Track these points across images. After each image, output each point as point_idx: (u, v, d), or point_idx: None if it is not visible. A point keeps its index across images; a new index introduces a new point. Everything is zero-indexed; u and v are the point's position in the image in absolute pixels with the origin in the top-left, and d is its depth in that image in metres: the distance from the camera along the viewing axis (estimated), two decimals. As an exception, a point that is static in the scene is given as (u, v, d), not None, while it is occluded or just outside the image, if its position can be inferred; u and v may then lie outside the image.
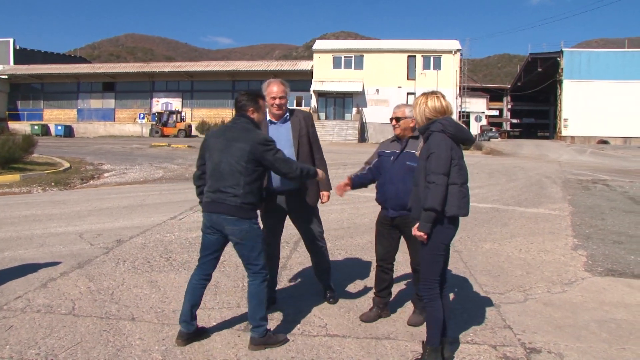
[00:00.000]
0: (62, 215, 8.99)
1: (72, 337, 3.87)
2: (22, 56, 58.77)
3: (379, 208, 4.40)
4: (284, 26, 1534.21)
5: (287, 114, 4.52)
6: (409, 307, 4.60)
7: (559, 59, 53.03)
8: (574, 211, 10.20)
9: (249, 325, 3.83)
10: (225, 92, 52.40)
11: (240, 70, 51.54)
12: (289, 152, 4.35)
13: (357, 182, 4.37)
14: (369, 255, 6.21)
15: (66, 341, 3.79)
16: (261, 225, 4.11)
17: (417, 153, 3.89)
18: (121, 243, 6.91)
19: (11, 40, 58.87)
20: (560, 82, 52.73)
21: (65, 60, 65.70)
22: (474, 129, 53.91)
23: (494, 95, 71.35)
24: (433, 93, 3.67)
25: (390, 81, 47.30)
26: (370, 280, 4.92)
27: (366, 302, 4.72)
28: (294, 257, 6.30)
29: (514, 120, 77.89)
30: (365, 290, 5.08)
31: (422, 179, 3.49)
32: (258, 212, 3.90)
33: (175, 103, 52.60)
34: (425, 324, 3.76)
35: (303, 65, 52.47)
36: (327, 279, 4.84)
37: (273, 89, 4.37)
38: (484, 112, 57.98)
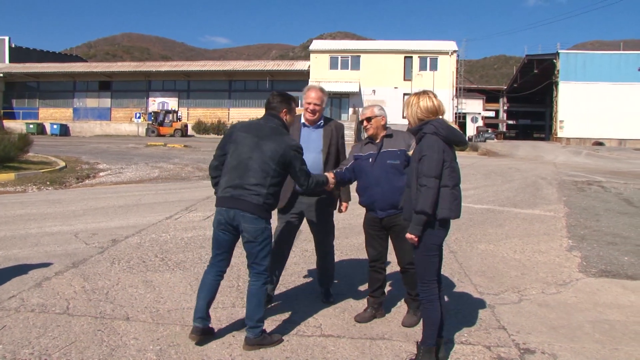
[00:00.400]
0: (57, 214, 8.96)
1: (66, 336, 3.86)
2: (18, 54, 58.60)
3: (372, 208, 4.41)
4: (280, 26, 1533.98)
5: (322, 121, 4.65)
6: (403, 308, 4.61)
7: (555, 60, 53.21)
8: (569, 212, 10.23)
9: (244, 325, 3.83)
10: (222, 91, 52.40)
11: (237, 70, 51.47)
12: (316, 157, 4.51)
13: (339, 177, 4.36)
14: (364, 255, 6.19)
15: (60, 341, 3.78)
16: (276, 226, 4.16)
17: (409, 152, 3.90)
18: (116, 242, 6.89)
19: (6, 38, 58.68)
20: (556, 83, 52.91)
21: (61, 58, 65.49)
22: (470, 130, 54.04)
23: (490, 97, 71.46)
24: (424, 92, 3.67)
25: (387, 82, 47.36)
26: (364, 281, 4.93)
27: (361, 302, 4.73)
28: (290, 257, 6.28)
29: (510, 122, 78.06)
30: (360, 290, 5.09)
31: (415, 181, 3.50)
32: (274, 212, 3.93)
33: (172, 102, 52.48)
34: (419, 324, 3.77)
35: (300, 65, 52.45)
36: (328, 285, 4.88)
37: (311, 95, 4.52)
38: (480, 113, 58.15)
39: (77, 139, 39.93)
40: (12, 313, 4.31)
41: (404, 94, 45.29)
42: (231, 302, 4.70)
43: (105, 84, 54.87)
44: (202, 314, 3.78)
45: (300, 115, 4.64)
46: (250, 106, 50.53)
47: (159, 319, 4.27)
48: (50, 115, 54.14)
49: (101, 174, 16.27)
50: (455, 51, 48.43)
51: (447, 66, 47.62)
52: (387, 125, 4.40)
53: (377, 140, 4.31)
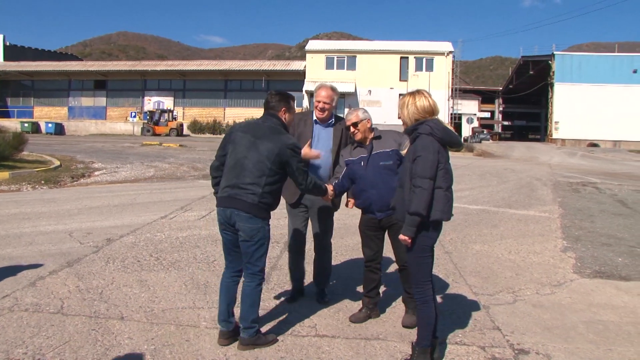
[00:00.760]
0: (51, 213, 8.93)
1: (60, 336, 3.85)
2: (13, 53, 58.33)
3: (367, 209, 4.41)
4: (276, 26, 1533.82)
5: (332, 119, 4.69)
6: (398, 308, 4.62)
7: (550, 62, 53.37)
8: (563, 213, 10.26)
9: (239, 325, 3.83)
10: (218, 91, 52.30)
11: (232, 69, 51.37)
12: (326, 155, 4.56)
13: (338, 190, 4.37)
14: (359, 255, 6.20)
15: (54, 340, 3.77)
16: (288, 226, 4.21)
17: (403, 151, 3.89)
18: (111, 242, 6.87)
19: (1, 36, 58.41)
20: (552, 85, 53.08)
21: (56, 57, 65.30)
22: (466, 130, 54.08)
23: (485, 98, 71.58)
24: (419, 92, 3.66)
25: (383, 82, 47.37)
26: (359, 281, 4.93)
27: (356, 303, 4.73)
28: (284, 257, 6.29)
29: (506, 123, 78.23)
30: (355, 291, 5.09)
31: (408, 181, 3.49)
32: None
33: (167, 102, 52.36)
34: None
35: (296, 65, 52.40)
36: (324, 284, 4.89)
37: (321, 93, 4.57)
38: (475, 114, 58.15)
39: (72, 138, 39.80)
40: (6, 312, 4.29)
41: (400, 95, 45.27)
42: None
43: (100, 83, 54.69)
44: (224, 316, 3.80)
45: (312, 112, 4.69)
46: (246, 106, 50.47)
47: (154, 318, 4.26)
48: (45, 113, 53.93)
49: (96, 173, 16.22)
50: (451, 52, 48.51)
51: (443, 67, 47.69)
52: (374, 127, 4.40)
53: (367, 143, 4.31)
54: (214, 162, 3.98)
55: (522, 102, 70.27)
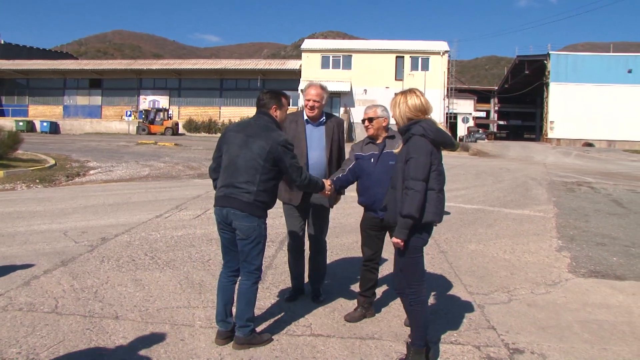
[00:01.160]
0: (46, 212, 8.89)
1: (54, 335, 3.83)
2: (7, 51, 58.00)
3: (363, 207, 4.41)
4: (272, 25, 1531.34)
5: (323, 117, 4.69)
6: (393, 308, 4.62)
7: (545, 61, 53.46)
8: (558, 213, 10.29)
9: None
10: (213, 90, 52.17)
11: (228, 68, 51.26)
12: (319, 154, 4.58)
13: (338, 184, 4.37)
14: (354, 255, 6.22)
15: (48, 340, 3.75)
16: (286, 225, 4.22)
17: (395, 151, 3.89)
18: (106, 241, 6.85)
19: (-4, 35, 58.22)
20: (547, 84, 53.16)
21: (51, 56, 64.95)
22: (461, 130, 54.17)
23: (481, 97, 71.64)
24: (411, 91, 3.66)
25: (378, 81, 47.32)
26: (355, 280, 4.94)
27: (351, 302, 4.73)
28: (279, 256, 6.29)
29: (501, 122, 78.33)
30: (350, 290, 5.09)
31: (400, 182, 3.48)
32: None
33: (163, 101, 52.19)
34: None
35: (291, 64, 52.32)
36: (319, 284, 4.89)
37: (311, 92, 4.57)
38: (471, 114, 58.23)
39: (68, 137, 39.65)
40: (0, 312, 4.27)
41: (395, 94, 45.19)
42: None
43: (96, 82, 54.46)
44: (222, 316, 3.80)
45: (303, 112, 4.68)
46: (241, 105, 50.39)
47: (148, 317, 4.25)
48: (40, 112, 53.66)
49: (91, 172, 16.16)
50: (446, 51, 48.50)
51: (439, 66, 47.70)
52: (389, 127, 4.39)
53: (379, 141, 4.30)
54: (212, 164, 4.00)
55: (517, 101, 70.37)
